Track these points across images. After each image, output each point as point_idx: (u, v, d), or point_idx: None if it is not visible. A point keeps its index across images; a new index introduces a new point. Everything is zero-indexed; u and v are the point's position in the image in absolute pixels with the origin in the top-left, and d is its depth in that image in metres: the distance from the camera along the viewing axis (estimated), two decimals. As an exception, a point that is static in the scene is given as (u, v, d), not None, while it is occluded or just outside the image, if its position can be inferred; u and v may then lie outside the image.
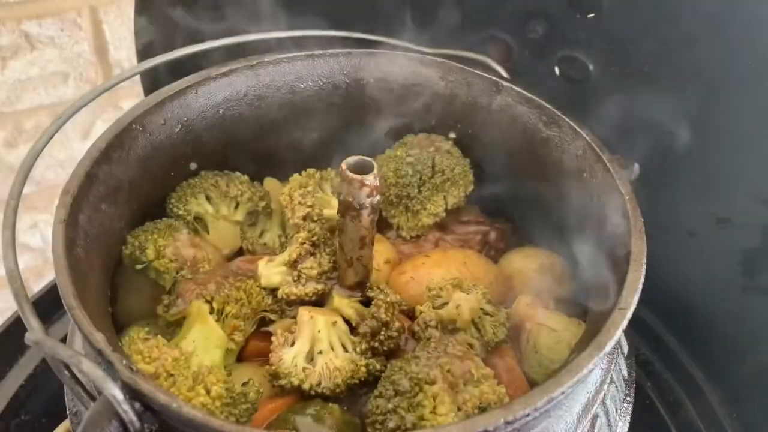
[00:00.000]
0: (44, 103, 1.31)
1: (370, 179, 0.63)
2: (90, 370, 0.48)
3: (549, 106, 0.76)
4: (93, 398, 0.53)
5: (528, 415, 0.48)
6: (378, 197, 0.64)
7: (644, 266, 0.58)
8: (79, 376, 0.54)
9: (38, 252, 1.51)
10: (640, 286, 0.57)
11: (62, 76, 1.29)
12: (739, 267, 0.86)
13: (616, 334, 0.52)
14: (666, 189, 0.90)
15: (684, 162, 0.88)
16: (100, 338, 0.51)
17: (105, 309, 0.64)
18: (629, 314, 0.54)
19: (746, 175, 0.82)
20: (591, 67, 0.92)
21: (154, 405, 0.48)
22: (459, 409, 0.57)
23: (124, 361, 0.50)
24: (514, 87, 0.79)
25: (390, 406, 0.58)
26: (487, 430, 0.46)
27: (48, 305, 0.96)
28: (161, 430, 0.51)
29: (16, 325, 0.98)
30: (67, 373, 0.54)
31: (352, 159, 0.64)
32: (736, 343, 0.90)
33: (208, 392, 0.59)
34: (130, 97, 1.38)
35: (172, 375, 0.59)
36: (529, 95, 0.78)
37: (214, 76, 0.78)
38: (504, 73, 0.83)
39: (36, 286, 1.45)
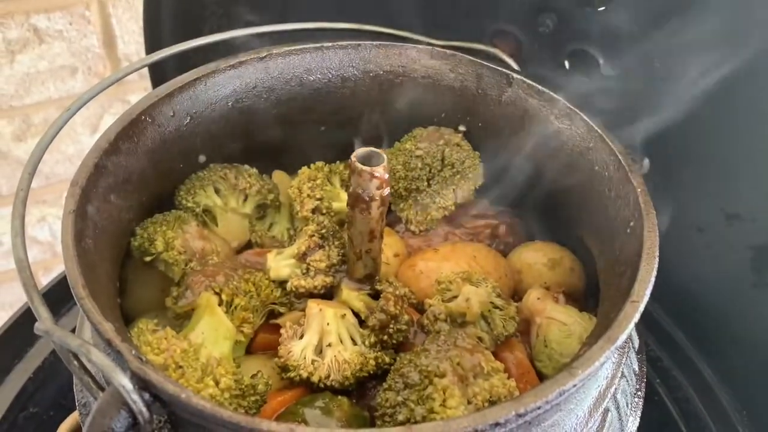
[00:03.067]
0: (53, 97, 1.31)
1: (380, 171, 0.63)
2: (99, 359, 0.48)
3: (560, 98, 0.76)
4: (102, 389, 0.53)
5: (539, 408, 0.48)
6: (387, 189, 0.64)
7: (657, 259, 0.58)
8: (87, 366, 0.54)
9: (47, 245, 1.51)
10: (653, 279, 0.56)
11: (71, 69, 1.29)
12: (748, 263, 0.86)
13: (628, 327, 0.52)
14: (675, 185, 0.89)
15: (693, 157, 0.88)
16: (108, 328, 0.51)
17: (114, 300, 0.64)
18: (641, 307, 0.54)
19: (756, 170, 0.82)
20: (601, 61, 0.92)
21: (163, 395, 0.48)
22: (469, 402, 0.57)
23: (133, 352, 0.50)
24: (524, 79, 0.78)
25: (399, 398, 0.58)
26: (498, 422, 0.46)
27: (56, 298, 0.96)
28: (170, 421, 0.51)
29: (25, 317, 0.98)
30: (75, 363, 0.53)
31: (361, 151, 0.64)
32: (746, 340, 0.89)
33: (216, 384, 0.59)
34: (139, 92, 1.38)
35: (180, 366, 0.59)
36: (540, 87, 0.77)
37: (223, 68, 0.77)
38: (515, 66, 0.83)
39: (44, 280, 1.46)
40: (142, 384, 0.48)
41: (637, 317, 0.53)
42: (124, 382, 0.47)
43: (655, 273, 0.57)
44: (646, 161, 0.75)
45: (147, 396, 0.48)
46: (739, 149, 0.83)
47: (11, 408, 0.91)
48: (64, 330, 0.51)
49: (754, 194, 0.83)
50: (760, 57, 0.75)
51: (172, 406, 0.49)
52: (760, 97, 0.78)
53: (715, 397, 0.94)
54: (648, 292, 0.55)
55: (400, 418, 0.56)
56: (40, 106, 1.31)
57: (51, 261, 1.54)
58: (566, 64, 0.95)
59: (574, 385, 0.48)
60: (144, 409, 0.48)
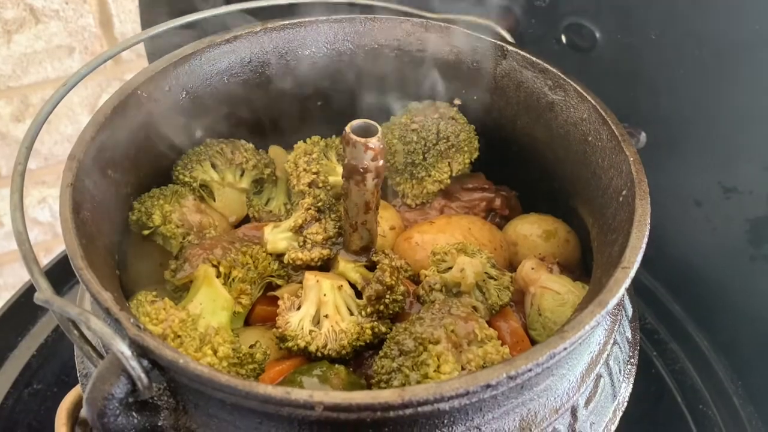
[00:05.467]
0: (50, 77, 1.31)
1: (375, 142, 0.63)
2: (98, 326, 0.48)
3: (554, 69, 0.76)
4: (102, 357, 0.54)
5: (530, 371, 0.48)
6: (382, 161, 0.65)
7: (648, 226, 0.58)
8: (87, 334, 0.55)
9: (47, 226, 1.52)
10: (644, 246, 0.57)
11: (68, 49, 1.29)
12: (745, 236, 0.86)
13: (618, 292, 0.53)
14: (672, 158, 0.90)
15: (690, 131, 0.88)
16: (107, 297, 0.52)
17: (113, 272, 0.65)
18: (632, 273, 0.54)
19: (752, 143, 0.82)
20: (598, 34, 0.91)
21: (162, 361, 0.49)
22: (463, 368, 0.58)
23: (132, 320, 0.50)
24: (519, 51, 0.78)
25: (395, 365, 0.58)
26: (489, 384, 0.47)
27: (56, 279, 0.96)
28: (169, 388, 0.52)
29: (27, 296, 0.99)
30: (75, 332, 0.54)
31: (356, 122, 0.64)
32: (742, 312, 0.90)
33: (215, 352, 0.59)
34: (137, 71, 1.38)
35: (179, 336, 0.60)
36: (534, 59, 0.77)
37: (218, 43, 0.78)
38: (509, 38, 0.82)
39: (45, 260, 1.46)
40: (141, 351, 0.49)
41: (627, 282, 0.53)
42: (122, 348, 0.48)
43: (646, 240, 0.57)
44: (643, 135, 0.75)
45: (146, 362, 0.49)
46: (736, 123, 0.83)
47: (16, 384, 0.93)
48: (63, 299, 0.52)
49: (751, 168, 0.83)
50: (758, 28, 0.75)
51: (171, 372, 0.50)
52: (758, 70, 0.78)
53: (711, 368, 0.96)
54: (639, 259, 0.55)
55: (396, 383, 0.57)
56: (38, 86, 1.31)
57: (52, 242, 1.55)
58: (563, 38, 0.95)
59: (565, 348, 0.49)
60: (143, 375, 0.48)
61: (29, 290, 1.00)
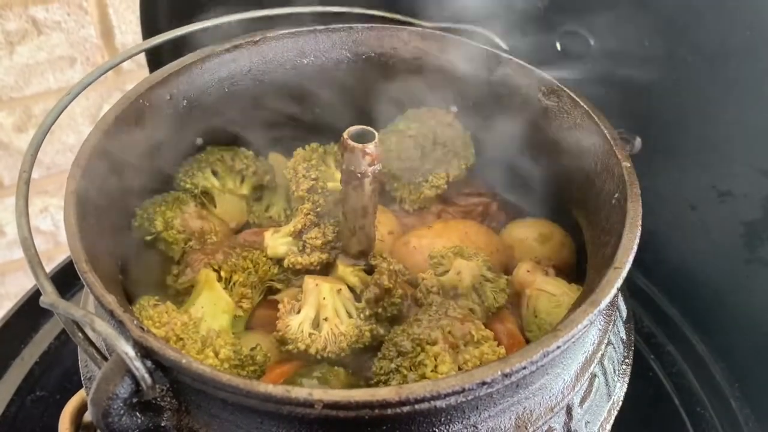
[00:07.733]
0: (52, 88, 1.32)
1: (371, 148, 0.64)
2: (102, 328, 0.49)
3: (548, 76, 0.77)
4: (106, 359, 0.55)
5: (525, 369, 0.49)
6: (379, 166, 0.66)
7: (639, 228, 0.59)
8: (91, 336, 0.56)
9: (49, 235, 1.53)
10: (635, 247, 0.58)
11: (69, 60, 1.31)
12: (741, 239, 0.87)
13: (610, 292, 0.54)
14: (667, 163, 0.91)
15: (684, 135, 0.89)
16: (111, 300, 0.53)
17: (116, 277, 0.66)
18: (624, 273, 0.55)
19: (746, 146, 0.83)
20: (592, 41, 0.93)
21: (165, 361, 0.50)
22: (460, 368, 0.59)
23: (135, 322, 0.52)
24: (513, 58, 0.80)
25: (393, 366, 0.60)
26: (485, 381, 0.48)
27: (58, 286, 0.97)
28: (172, 389, 0.53)
29: (30, 304, 1.00)
30: (80, 334, 0.55)
31: (354, 128, 0.65)
32: (739, 315, 0.91)
33: (216, 355, 0.61)
34: (137, 81, 1.39)
35: (181, 338, 0.61)
36: (528, 66, 0.79)
37: (218, 52, 0.79)
38: (504, 46, 0.84)
39: (47, 268, 1.47)
40: (144, 351, 0.50)
41: (619, 282, 0.55)
42: (126, 349, 0.49)
43: (637, 241, 0.58)
44: (638, 140, 0.76)
45: (149, 363, 0.50)
46: (730, 126, 0.84)
47: (19, 391, 0.93)
48: (68, 302, 0.53)
49: (745, 170, 0.84)
50: (750, 32, 0.77)
51: (174, 373, 0.51)
52: (751, 73, 0.79)
53: (708, 372, 0.96)
54: (630, 259, 0.57)
55: (394, 383, 0.58)
56: (40, 97, 1.32)
57: (54, 251, 1.56)
58: (557, 45, 0.96)
59: (558, 347, 0.50)
60: (146, 376, 0.49)
61: (31, 298, 1.01)
